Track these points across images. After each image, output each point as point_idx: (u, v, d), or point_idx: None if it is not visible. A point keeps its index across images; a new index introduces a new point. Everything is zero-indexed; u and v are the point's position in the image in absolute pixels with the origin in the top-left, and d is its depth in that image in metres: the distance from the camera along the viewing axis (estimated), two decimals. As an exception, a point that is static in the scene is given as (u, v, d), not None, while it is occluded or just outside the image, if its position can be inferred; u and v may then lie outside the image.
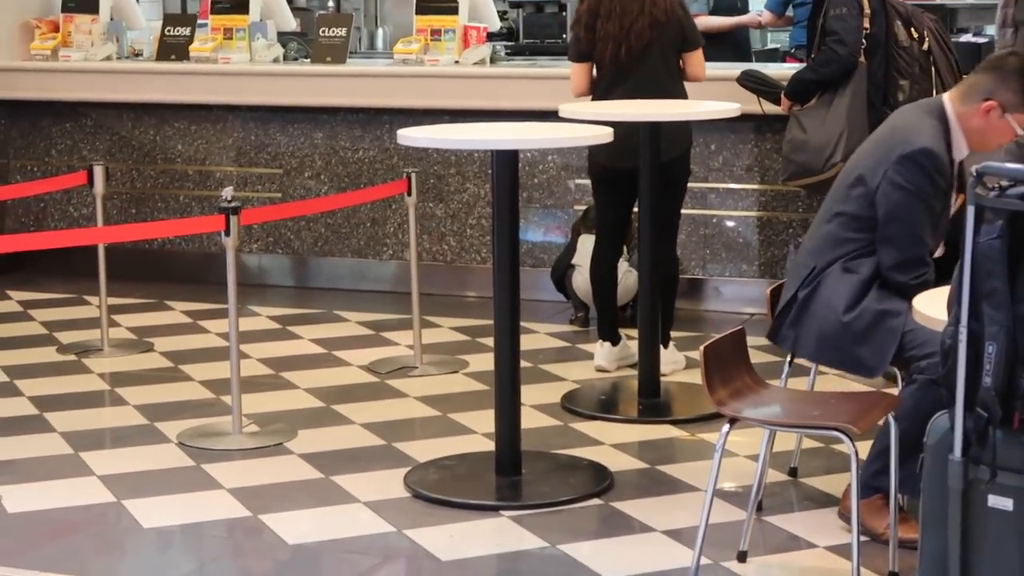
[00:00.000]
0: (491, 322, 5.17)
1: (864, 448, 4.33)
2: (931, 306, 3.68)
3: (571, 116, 5.81)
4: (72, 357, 6.91)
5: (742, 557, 4.43)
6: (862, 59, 6.21)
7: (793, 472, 5.13)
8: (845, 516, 4.60)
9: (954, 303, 3.30)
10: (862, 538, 4.08)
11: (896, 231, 4.46)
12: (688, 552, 4.33)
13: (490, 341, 5.26)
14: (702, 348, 4.13)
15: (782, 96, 6.55)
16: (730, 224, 7.65)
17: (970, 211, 3.23)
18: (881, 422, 4.30)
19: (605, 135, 5.23)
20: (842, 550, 4.45)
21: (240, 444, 5.60)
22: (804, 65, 6.60)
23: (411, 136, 5.17)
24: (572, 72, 6.46)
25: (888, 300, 4.44)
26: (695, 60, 6.42)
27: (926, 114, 4.57)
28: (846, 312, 4.47)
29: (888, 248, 4.46)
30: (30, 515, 4.93)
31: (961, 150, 4.55)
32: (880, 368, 4.49)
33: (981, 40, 9.09)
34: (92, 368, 6.73)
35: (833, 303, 4.49)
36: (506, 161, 5.06)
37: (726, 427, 4.11)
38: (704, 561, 4.26)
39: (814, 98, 6.37)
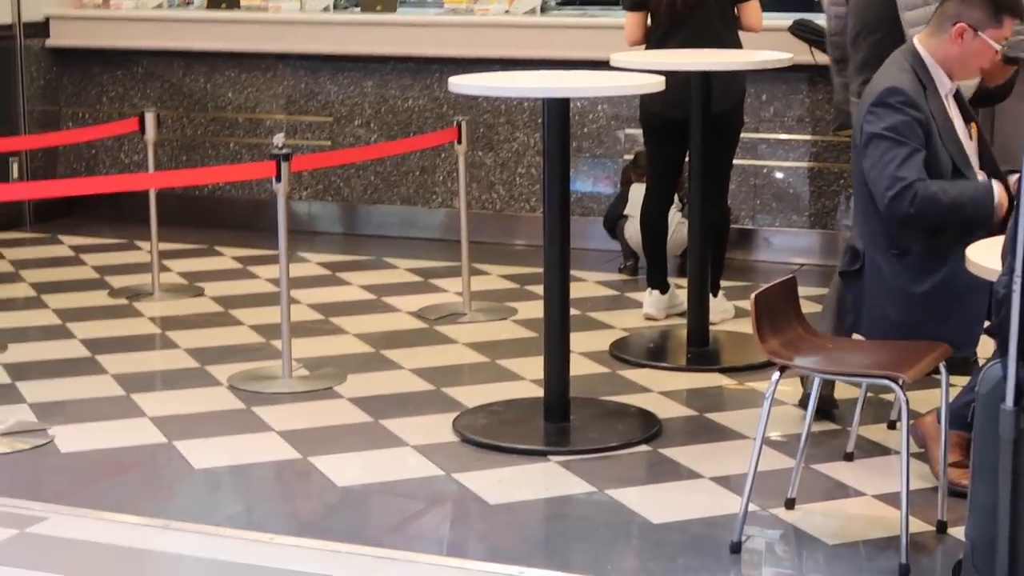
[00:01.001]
0: (540, 270, 5.18)
1: (914, 398, 4.32)
2: (985, 256, 3.66)
3: (622, 65, 5.79)
4: (123, 301, 6.96)
5: (790, 504, 4.44)
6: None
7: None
8: (918, 436, 4.61)
9: (1008, 253, 3.28)
10: (912, 486, 4.08)
11: (872, 175, 4.40)
12: (736, 499, 4.34)
13: (538, 289, 5.27)
14: (753, 296, 4.13)
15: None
16: (780, 175, 7.62)
17: (1024, 160, 3.21)
18: (934, 373, 4.28)
19: (656, 84, 5.21)
20: (890, 499, 4.45)
21: (290, 388, 5.63)
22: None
23: (463, 84, 5.16)
24: (627, 20, 6.43)
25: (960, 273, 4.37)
26: (751, 10, 6.38)
27: (893, 61, 4.60)
28: (918, 297, 4.43)
29: (876, 190, 4.39)
30: (83, 455, 4.99)
31: (944, 83, 4.55)
32: (970, 344, 4.45)
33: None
34: (143, 312, 6.78)
35: (900, 293, 4.45)
36: (557, 109, 5.05)
37: (776, 375, 4.10)
38: (752, 508, 4.27)
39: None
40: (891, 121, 4.40)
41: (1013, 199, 4.29)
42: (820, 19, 7.06)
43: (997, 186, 4.40)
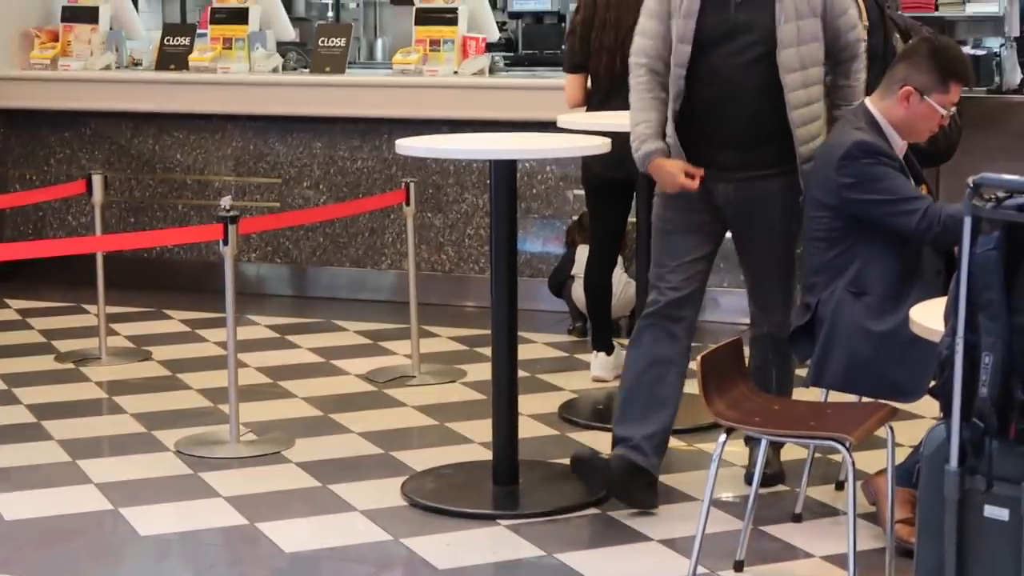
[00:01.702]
0: (489, 332, 5.18)
1: (861, 458, 4.33)
2: (928, 317, 3.69)
3: (569, 126, 5.82)
4: (70, 365, 6.92)
5: (738, 566, 4.44)
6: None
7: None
8: (869, 492, 4.69)
9: (951, 314, 3.30)
10: (860, 546, 4.09)
11: (894, 209, 4.46)
12: (684, 561, 4.34)
13: (488, 351, 5.27)
14: (699, 358, 4.14)
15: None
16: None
17: (967, 222, 3.24)
18: (880, 432, 4.30)
19: (603, 145, 5.24)
20: (839, 560, 4.46)
21: (238, 452, 5.60)
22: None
23: (410, 146, 5.18)
24: (567, 83, 6.45)
25: None
26: None
27: (848, 122, 4.67)
28: (875, 336, 4.46)
29: (900, 223, 4.46)
30: (27, 523, 4.94)
31: (896, 143, 4.62)
32: (919, 391, 4.47)
33: (980, 52, 9.10)
34: (90, 376, 6.74)
35: (859, 326, 4.49)
36: (504, 171, 5.07)
37: (723, 437, 4.12)
38: (700, 570, 4.27)
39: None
40: (868, 166, 4.46)
41: None
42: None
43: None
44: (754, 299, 5.10)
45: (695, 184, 4.82)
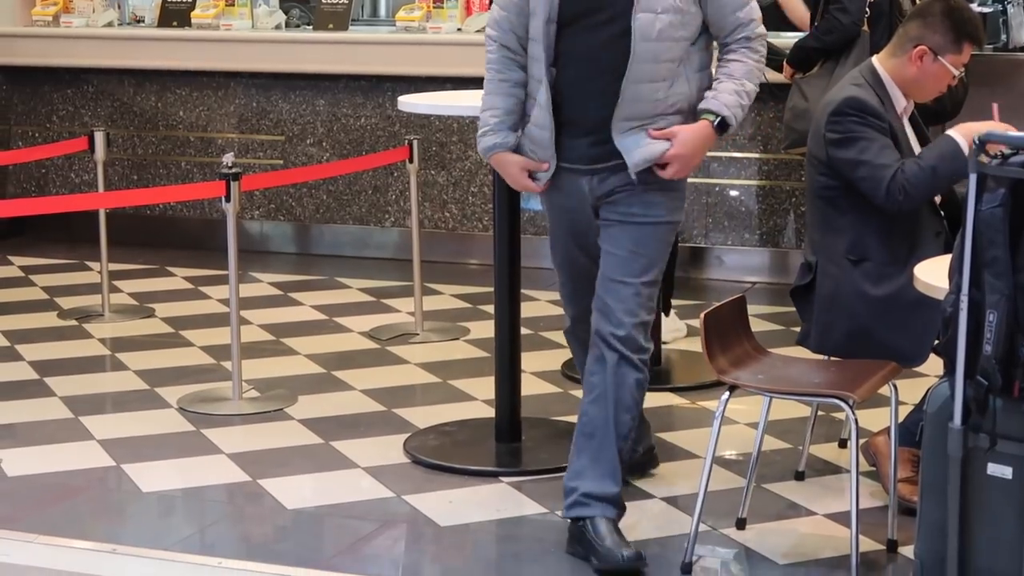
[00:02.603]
0: (491, 289, 5.17)
1: (864, 416, 4.33)
2: (932, 275, 3.68)
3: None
4: (73, 322, 6.92)
5: (741, 524, 4.44)
6: (865, 28, 6.19)
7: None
8: (869, 455, 4.63)
9: (955, 271, 3.30)
10: (862, 504, 4.09)
11: (862, 175, 4.43)
12: (686, 519, 4.34)
13: (490, 308, 5.27)
14: (702, 315, 4.13)
15: (784, 64, 6.53)
16: (732, 193, 7.64)
17: (972, 179, 3.23)
18: (883, 390, 4.29)
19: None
20: (841, 518, 4.45)
21: (240, 409, 5.60)
22: (807, 33, 6.58)
23: (413, 103, 5.17)
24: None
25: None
26: None
27: (850, 78, 4.64)
28: (874, 302, 4.45)
29: (871, 190, 4.43)
30: (30, 479, 4.94)
31: (900, 102, 4.59)
32: (921, 355, 4.46)
33: (987, 10, 9.05)
34: (93, 333, 6.73)
35: (859, 293, 4.47)
36: (508, 128, 5.03)
37: (726, 395, 4.11)
38: (703, 528, 4.26)
39: (816, 66, 6.35)
40: (855, 124, 4.43)
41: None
42: (770, 37, 7.10)
43: (955, 133, 4.44)
44: (599, 305, 4.27)
45: (540, 187, 4.31)
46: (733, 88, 4.19)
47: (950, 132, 4.45)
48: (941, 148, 4.41)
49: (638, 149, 4.13)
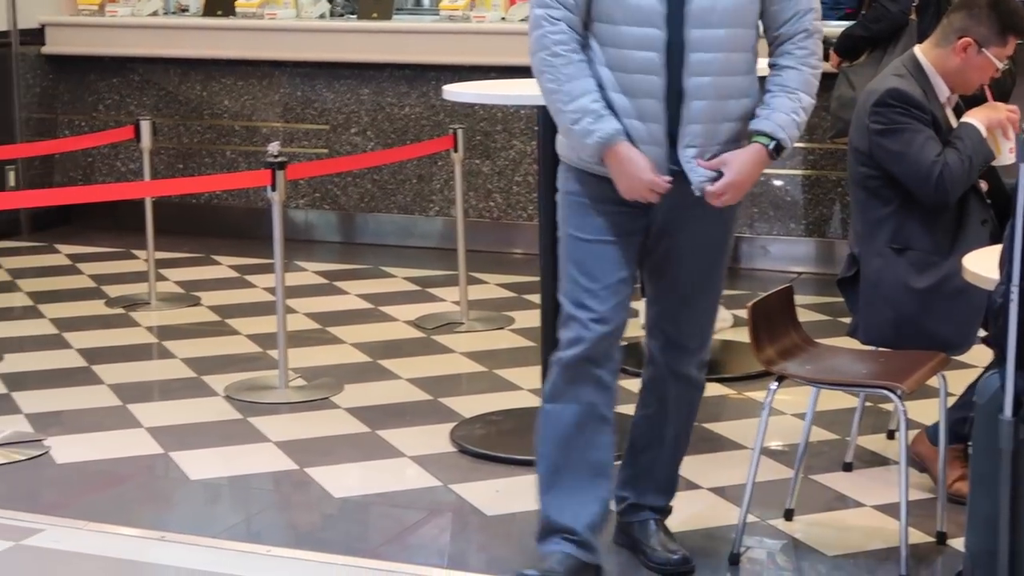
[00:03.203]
0: (536, 279, 5.17)
1: (912, 407, 4.30)
2: (981, 265, 3.66)
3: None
4: (120, 310, 6.95)
5: (789, 515, 4.43)
6: (913, 16, 6.17)
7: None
8: (916, 461, 4.58)
9: (1006, 262, 3.27)
10: (911, 496, 4.07)
11: (907, 168, 4.42)
12: (734, 509, 4.33)
13: (535, 298, 5.27)
14: (749, 306, 4.12)
15: (831, 52, 6.50)
16: (778, 183, 7.61)
17: (1022, 169, 3.20)
18: (932, 381, 4.27)
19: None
20: (890, 509, 4.43)
21: (287, 398, 5.62)
22: (855, 21, 6.55)
23: (458, 92, 5.15)
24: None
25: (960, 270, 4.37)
26: None
27: (892, 68, 4.63)
28: (918, 292, 4.43)
29: (917, 184, 4.42)
30: (79, 466, 4.97)
31: (943, 92, 4.56)
32: (966, 344, 4.45)
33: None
34: (140, 321, 6.77)
35: (901, 284, 4.46)
36: (552, 117, 5.02)
37: (773, 385, 4.10)
38: (750, 519, 4.26)
39: (864, 55, 6.33)
40: (899, 115, 4.42)
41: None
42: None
43: (973, 118, 4.47)
44: (665, 331, 4.04)
45: (661, 190, 3.75)
46: (789, 105, 3.78)
47: (970, 120, 4.45)
48: (972, 137, 4.41)
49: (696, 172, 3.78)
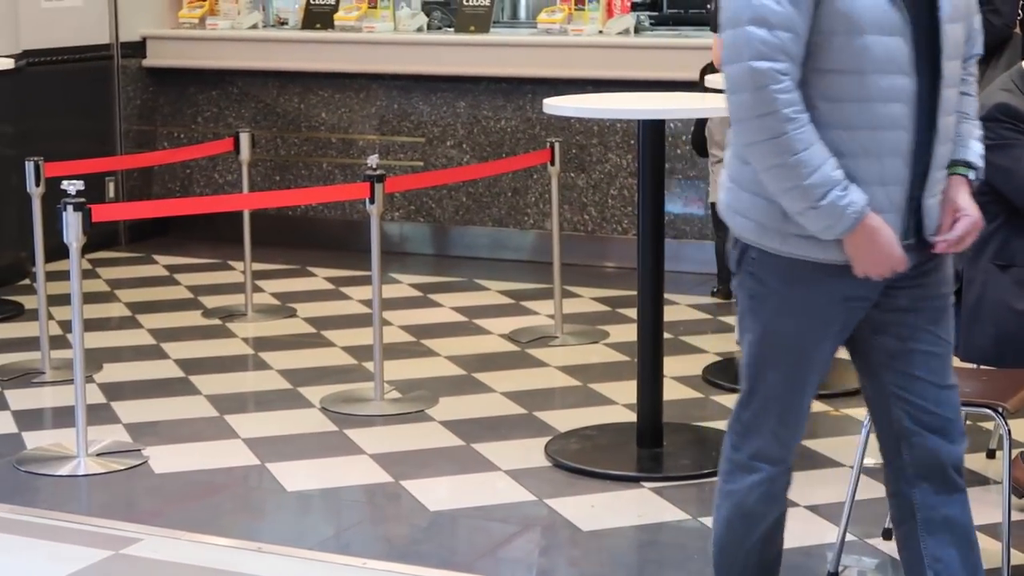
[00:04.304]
0: (631, 293, 5.15)
1: (1015, 426, 4.24)
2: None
3: (717, 86, 5.74)
4: (217, 321, 7.00)
5: (887, 534, 4.37)
6: (1017, 30, 6.08)
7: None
8: (1016, 488, 4.49)
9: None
10: (1013, 517, 4.00)
11: (1015, 184, 4.35)
12: (832, 528, 4.28)
13: (630, 312, 5.24)
14: (850, 322, 4.06)
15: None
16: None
17: None
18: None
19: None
20: (990, 530, 4.36)
21: (382, 410, 5.63)
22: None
23: (558, 105, 5.14)
24: (715, 43, 6.38)
25: None
26: None
27: (1000, 81, 4.54)
28: (1021, 311, 4.37)
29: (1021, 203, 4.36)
30: (176, 476, 5.01)
31: None
32: None
33: None
34: (236, 332, 6.81)
35: (1004, 302, 4.39)
36: (652, 131, 5.01)
37: (873, 402, 4.03)
38: (849, 537, 4.21)
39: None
40: (1008, 131, 4.36)
41: None
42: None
43: None
44: (925, 421, 3.40)
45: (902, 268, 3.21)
46: (976, 132, 3.38)
47: None
48: None
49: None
